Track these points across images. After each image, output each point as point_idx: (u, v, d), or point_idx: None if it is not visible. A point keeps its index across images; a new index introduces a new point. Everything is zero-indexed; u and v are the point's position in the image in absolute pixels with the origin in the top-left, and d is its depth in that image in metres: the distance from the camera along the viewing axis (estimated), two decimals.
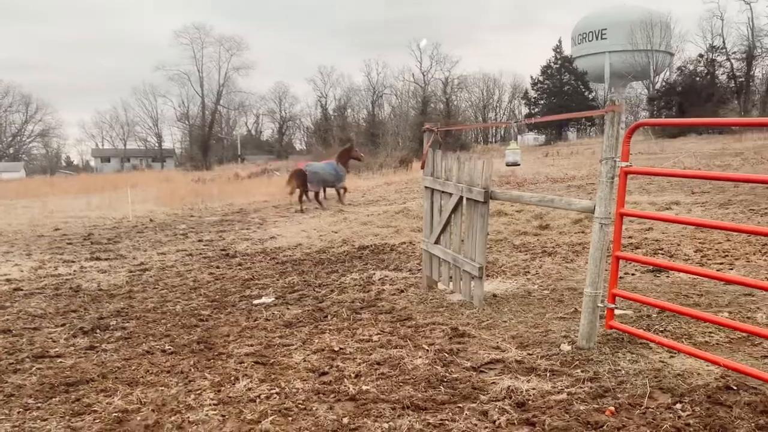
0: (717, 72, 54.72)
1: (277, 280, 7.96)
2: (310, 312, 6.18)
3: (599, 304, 4.30)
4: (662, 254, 7.89)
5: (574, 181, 21.47)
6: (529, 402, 3.66)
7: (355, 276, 7.87)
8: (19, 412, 3.97)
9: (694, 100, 52.44)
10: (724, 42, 55.59)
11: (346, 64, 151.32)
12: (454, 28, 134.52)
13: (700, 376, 3.81)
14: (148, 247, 11.49)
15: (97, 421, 3.78)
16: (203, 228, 14.16)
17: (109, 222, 16.67)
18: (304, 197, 17.66)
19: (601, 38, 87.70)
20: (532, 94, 74.20)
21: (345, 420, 3.58)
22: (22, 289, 7.96)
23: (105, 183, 36.33)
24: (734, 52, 54.30)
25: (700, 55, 55.14)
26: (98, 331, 5.90)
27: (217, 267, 9.13)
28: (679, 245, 8.26)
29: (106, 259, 10.23)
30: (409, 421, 3.49)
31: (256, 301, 6.80)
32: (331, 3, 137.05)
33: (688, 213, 11.29)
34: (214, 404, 3.96)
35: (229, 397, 4.10)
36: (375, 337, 5.21)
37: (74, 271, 9.26)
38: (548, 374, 4.07)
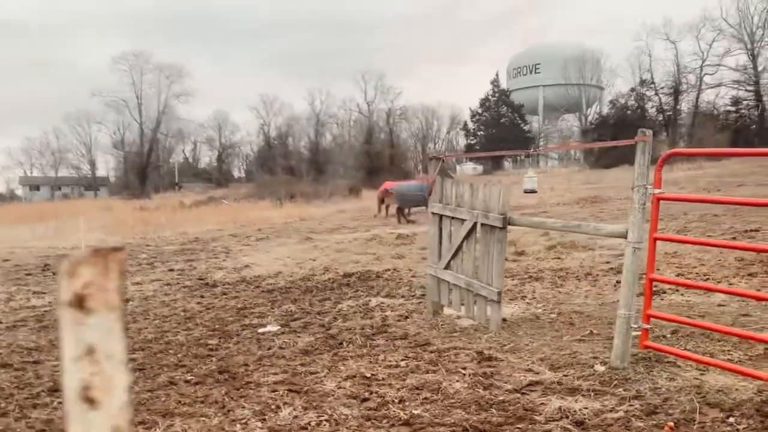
0: (646, 105, 57.66)
1: (272, 308, 7.87)
2: (323, 339, 6.15)
3: (633, 325, 4.49)
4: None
5: (528, 210, 22.02)
6: (587, 421, 3.78)
7: (351, 303, 7.88)
8: None
9: (626, 132, 54.97)
10: (652, 77, 58.71)
11: (288, 93, 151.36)
12: (395, 60, 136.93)
13: (739, 392, 4.02)
14: None
15: None
16: (167, 257, 13.82)
17: (61, 251, 16.03)
18: (397, 213, 20.20)
19: (535, 72, 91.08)
20: (471, 125, 76.02)
21: None
22: (1, 322, 7.59)
23: (41, 212, 34.84)
24: (662, 87, 57.44)
25: (632, 89, 57.97)
26: None
27: (202, 296, 8.94)
28: (659, 269, 8.66)
29: None
30: None
31: (261, 330, 6.71)
32: (275, 32, 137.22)
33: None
34: None
35: (279, 425, 4.05)
36: (402, 363, 5.24)
37: (49, 302, 8.88)
38: (592, 394, 4.20)
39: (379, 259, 11.33)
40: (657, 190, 4.33)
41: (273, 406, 4.41)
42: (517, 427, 3.77)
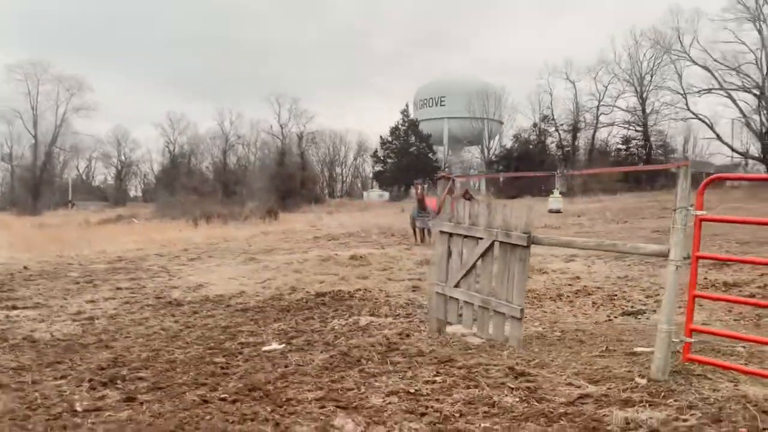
0: (547, 141, 60.96)
1: (260, 327, 7.62)
2: (338, 357, 6.03)
3: (674, 339, 4.75)
4: (616, 299, 8.73)
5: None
6: (661, 429, 3.95)
7: (341, 322, 7.77)
8: None
9: (528, 165, 57.76)
10: (552, 114, 62.25)
11: (195, 112, 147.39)
12: (303, 85, 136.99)
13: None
14: (59, 295, 10.36)
15: None
16: (102, 276, 13.00)
17: None
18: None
19: (441, 105, 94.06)
20: (381, 152, 77.16)
21: None
22: (35, 342, 6.93)
23: None
24: (562, 124, 60.96)
25: (534, 125, 61.12)
26: (118, 381, 5.32)
27: (173, 315, 8.52)
28: (624, 291, 9.18)
29: (25, 308, 9.10)
30: None
31: (265, 348, 6.48)
32: (183, 52, 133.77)
33: (590, 265, 12.49)
34: None
35: None
36: (437, 378, 5.23)
37: (1, 319, 8.16)
38: (647, 405, 4.39)
39: (344, 279, 11.24)
40: (699, 212, 4.63)
41: (332, 422, 4.29)
42: None
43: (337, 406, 4.64)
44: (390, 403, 4.68)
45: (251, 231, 28.69)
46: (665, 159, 63.28)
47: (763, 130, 55.30)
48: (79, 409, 4.65)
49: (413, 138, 75.87)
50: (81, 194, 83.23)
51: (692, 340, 4.80)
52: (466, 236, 6.47)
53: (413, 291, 10.05)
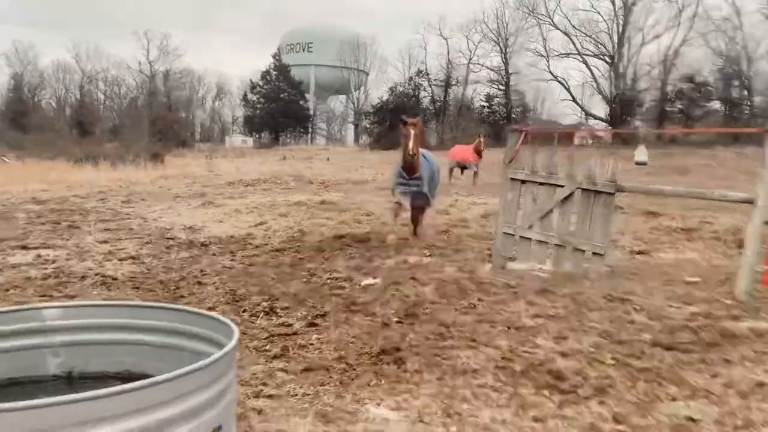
0: (421, 95, 62.96)
1: (323, 264, 7.98)
2: (444, 288, 6.66)
3: (757, 269, 5.99)
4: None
5: (370, 184, 23.23)
6: None
7: (393, 261, 8.27)
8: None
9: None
10: (426, 69, 64.22)
11: (45, 44, 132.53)
12: (164, 22, 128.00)
13: None
14: (53, 235, 9.89)
15: None
16: (55, 218, 12.28)
17: None
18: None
19: (308, 51, 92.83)
20: (252, 97, 75.14)
21: None
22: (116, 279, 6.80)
23: None
24: (435, 80, 63.13)
25: (410, 78, 62.68)
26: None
27: (222, 255, 8.61)
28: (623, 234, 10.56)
29: (41, 247, 8.72)
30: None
31: (364, 282, 6.97)
32: None
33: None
34: None
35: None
36: (558, 305, 6.09)
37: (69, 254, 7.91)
38: (751, 316, 5.58)
39: (344, 223, 11.66)
40: None
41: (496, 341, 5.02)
42: (729, 343, 4.95)
43: (492, 326, 5.34)
44: (538, 324, 5.46)
45: (148, 174, 27.51)
46: (523, 118, 67.92)
47: (611, 95, 61.10)
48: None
49: (284, 84, 74.61)
50: None
51: None
52: (542, 183, 7.32)
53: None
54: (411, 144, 8.87)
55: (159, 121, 54.23)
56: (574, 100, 63.73)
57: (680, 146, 47.05)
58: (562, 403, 3.79)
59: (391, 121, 59.85)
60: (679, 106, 66.11)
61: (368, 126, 65.14)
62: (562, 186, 7.14)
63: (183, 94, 79.79)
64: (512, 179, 7.61)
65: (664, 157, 35.98)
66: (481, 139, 22.37)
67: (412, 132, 8.95)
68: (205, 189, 19.90)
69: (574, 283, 6.91)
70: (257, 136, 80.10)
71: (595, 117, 64.12)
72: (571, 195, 7.11)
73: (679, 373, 4.29)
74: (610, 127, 59.98)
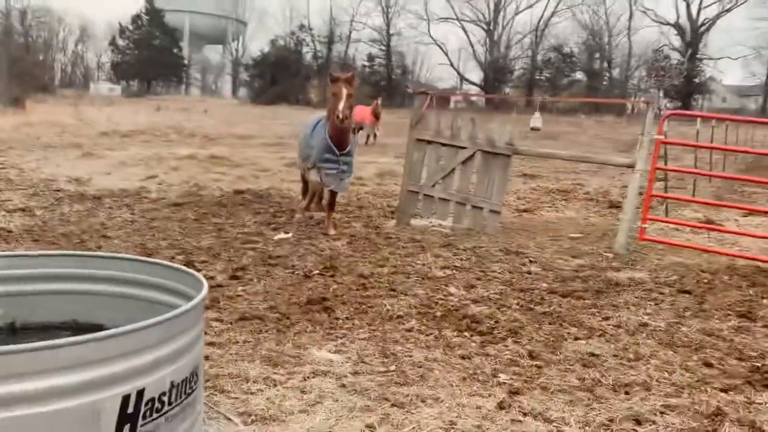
0: (304, 50, 61.97)
1: (230, 220, 8.00)
2: (355, 242, 6.96)
3: (634, 225, 6.76)
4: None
5: (256, 139, 22.91)
6: (649, 281, 5.90)
7: (300, 216, 8.47)
8: None
9: (284, 73, 58.49)
10: (309, 24, 63.14)
11: None
12: None
13: (711, 264, 6.60)
14: None
15: None
16: None
17: None
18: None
19: None
20: (121, 42, 70.40)
21: None
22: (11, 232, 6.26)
23: None
24: (318, 35, 62.31)
25: (292, 33, 61.41)
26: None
27: (119, 208, 8.34)
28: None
29: None
30: None
31: (276, 237, 7.09)
32: None
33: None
34: None
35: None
36: (462, 258, 6.56)
37: None
38: (629, 268, 6.35)
39: (242, 178, 11.57)
40: (659, 136, 6.60)
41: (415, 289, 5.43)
42: (614, 291, 5.66)
43: (407, 277, 5.74)
44: (448, 274, 5.92)
45: (8, 120, 25.34)
46: (404, 79, 68.96)
47: (486, 61, 63.42)
48: None
49: (157, 30, 70.44)
50: None
51: (646, 226, 6.89)
52: (445, 144, 7.73)
53: None
54: (342, 105, 6.68)
55: (18, 63, 49.44)
56: (451, 64, 65.54)
57: (549, 113, 49.90)
58: (483, 342, 4.22)
59: (273, 75, 58.70)
60: (547, 75, 69.93)
61: (248, 79, 63.34)
62: (464, 147, 7.59)
63: (42, 35, 73.20)
64: (417, 140, 7.95)
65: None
66: (379, 102, 22.79)
67: (344, 90, 6.75)
68: (78, 139, 18.74)
69: (472, 238, 7.44)
70: (126, 84, 75.49)
71: (470, 82, 66.42)
72: (472, 156, 7.58)
73: (576, 316, 4.87)
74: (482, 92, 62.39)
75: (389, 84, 65.65)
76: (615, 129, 42.53)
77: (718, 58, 64.83)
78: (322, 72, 61.65)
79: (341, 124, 6.80)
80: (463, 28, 64.00)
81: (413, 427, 3.02)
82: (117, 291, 3.30)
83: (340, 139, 7.06)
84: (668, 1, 67.27)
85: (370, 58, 68.87)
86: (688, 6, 61.68)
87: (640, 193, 6.96)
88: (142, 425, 2.31)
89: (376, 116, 22.31)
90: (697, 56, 62.45)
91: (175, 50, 72.82)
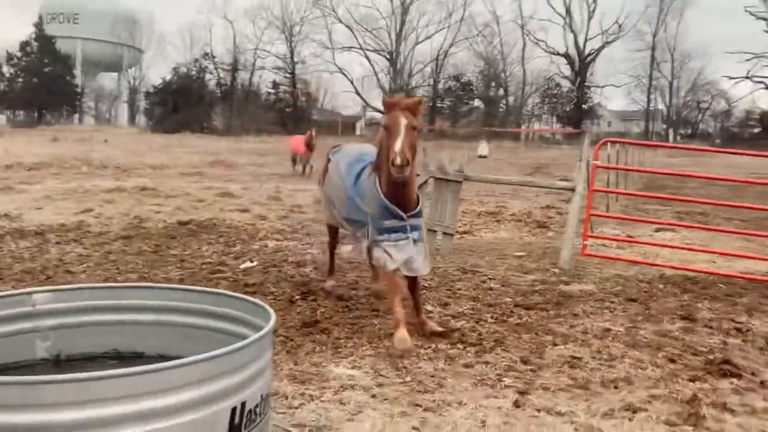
0: (207, 78, 61.13)
1: (188, 251, 8.04)
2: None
3: (575, 242, 7.44)
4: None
5: (171, 169, 22.55)
6: (599, 292, 6.56)
7: (257, 245, 8.64)
8: None
9: (187, 99, 57.39)
10: (212, 52, 62.43)
11: None
12: None
13: (645, 275, 7.35)
14: None
15: None
16: None
17: None
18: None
19: (74, 22, 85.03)
20: (8, 70, 66.60)
21: None
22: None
23: None
24: (222, 63, 61.71)
25: (195, 60, 60.50)
26: None
27: (67, 243, 8.17)
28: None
29: None
30: None
31: (242, 266, 7.24)
32: None
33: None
34: None
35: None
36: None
37: None
38: (577, 281, 6.99)
39: (180, 209, 11.48)
40: (596, 161, 7.35)
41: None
42: (570, 302, 6.27)
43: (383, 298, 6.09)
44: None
45: None
46: (308, 105, 69.42)
47: (390, 89, 65.02)
48: None
49: (48, 57, 67.20)
50: None
51: (588, 243, 7.58)
52: None
53: (262, 219, 11.04)
54: (399, 144, 4.39)
55: None
56: (356, 91, 66.68)
57: (450, 139, 51.70)
58: (477, 352, 4.63)
59: (175, 103, 57.46)
60: (448, 103, 72.61)
61: (148, 107, 61.64)
62: (417, 175, 8.05)
63: None
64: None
65: (437, 149, 39.55)
66: (313, 133, 21.99)
67: (403, 122, 4.48)
68: None
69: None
70: (11, 114, 71.44)
71: (375, 109, 67.72)
72: (425, 183, 8.06)
73: (547, 325, 5.38)
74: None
75: (295, 111, 65.88)
76: (515, 153, 44.93)
77: (604, 86, 69.86)
78: (226, 99, 61.14)
79: (400, 172, 4.41)
80: (367, 57, 65.48)
81: (452, 427, 3.37)
82: (153, 319, 3.46)
83: (402, 194, 4.78)
84: (558, 32, 71.72)
85: (275, 85, 68.88)
86: (575, 37, 66.17)
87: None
88: None
89: (310, 147, 21.53)
90: (585, 84, 66.93)
91: (68, 78, 69.69)
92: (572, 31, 66.48)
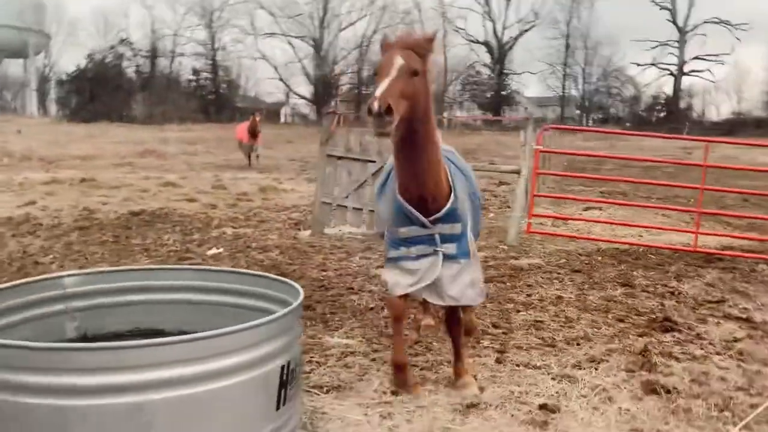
0: (124, 65, 58.96)
1: (149, 240, 8.15)
2: (290, 253, 7.55)
3: (522, 221, 8.07)
4: None
5: (102, 160, 22.02)
6: (545, 264, 7.21)
7: (217, 232, 8.82)
8: None
9: (104, 87, 55.14)
10: (129, 38, 60.23)
11: None
12: None
13: (584, 249, 8.06)
14: None
15: None
16: None
17: None
18: None
19: None
20: None
21: None
22: None
23: None
24: (140, 50, 59.65)
25: (112, 47, 58.19)
26: None
27: (22, 236, 8.10)
28: None
29: None
30: None
31: (209, 252, 7.46)
32: None
33: None
34: None
35: None
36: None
37: None
38: (524, 256, 7.62)
39: (129, 199, 11.42)
40: (539, 147, 7.98)
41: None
42: (522, 274, 6.89)
43: (353, 277, 6.52)
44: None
45: None
46: (231, 93, 68.19)
47: (314, 76, 64.83)
48: None
49: None
50: None
51: (531, 221, 8.22)
52: (355, 160, 8.56)
53: (213, 208, 11.17)
54: (382, 86, 3.06)
55: None
56: (280, 78, 66.07)
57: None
58: None
59: (91, 91, 55.17)
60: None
61: (62, 95, 58.93)
62: (374, 161, 8.46)
63: None
64: (329, 156, 8.70)
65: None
66: (257, 118, 19.85)
67: (397, 63, 3.16)
68: None
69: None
70: None
71: (300, 96, 67.50)
72: (381, 168, 8.47)
73: (507, 295, 5.95)
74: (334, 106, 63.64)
75: (217, 98, 64.49)
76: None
77: (521, 73, 72.00)
78: (145, 87, 59.17)
79: (380, 125, 3.01)
80: (290, 43, 64.87)
81: (449, 381, 3.84)
82: (175, 298, 3.76)
83: (419, 183, 3.48)
84: (477, 20, 73.33)
85: (196, 72, 67.20)
86: (494, 25, 67.87)
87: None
88: (289, 389, 2.91)
89: (253, 133, 19.61)
90: (504, 71, 68.84)
91: None
92: (491, 19, 68.12)
